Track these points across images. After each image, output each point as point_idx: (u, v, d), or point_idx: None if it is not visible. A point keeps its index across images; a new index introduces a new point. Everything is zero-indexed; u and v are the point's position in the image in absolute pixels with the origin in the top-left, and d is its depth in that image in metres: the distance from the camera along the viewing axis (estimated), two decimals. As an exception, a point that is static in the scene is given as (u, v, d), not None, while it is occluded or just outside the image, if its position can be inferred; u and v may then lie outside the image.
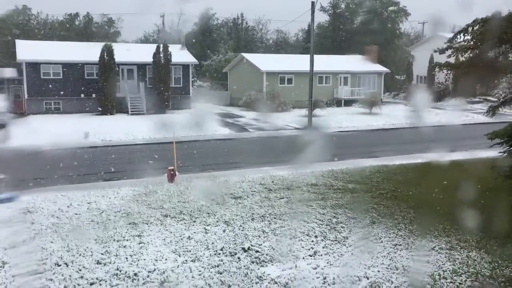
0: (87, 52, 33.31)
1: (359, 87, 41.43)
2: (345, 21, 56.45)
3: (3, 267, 6.89)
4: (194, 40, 54.39)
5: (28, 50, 33.67)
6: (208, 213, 9.82)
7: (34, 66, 32.80)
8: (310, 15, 28.11)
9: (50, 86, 32.63)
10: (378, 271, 6.91)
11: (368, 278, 6.67)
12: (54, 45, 39.07)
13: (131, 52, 36.46)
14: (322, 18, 58.00)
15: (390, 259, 7.37)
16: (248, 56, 42.21)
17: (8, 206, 10.52)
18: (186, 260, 7.22)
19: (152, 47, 35.13)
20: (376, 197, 11.17)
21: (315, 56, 28.79)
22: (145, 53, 34.44)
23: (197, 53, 49.63)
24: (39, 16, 62.48)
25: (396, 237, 8.41)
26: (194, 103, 38.58)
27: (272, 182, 12.80)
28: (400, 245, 8.01)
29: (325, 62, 39.80)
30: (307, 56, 29.15)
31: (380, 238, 8.33)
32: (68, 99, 32.97)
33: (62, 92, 32.88)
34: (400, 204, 10.53)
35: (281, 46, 66.19)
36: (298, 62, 39.22)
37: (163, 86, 33.91)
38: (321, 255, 7.50)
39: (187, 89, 37.64)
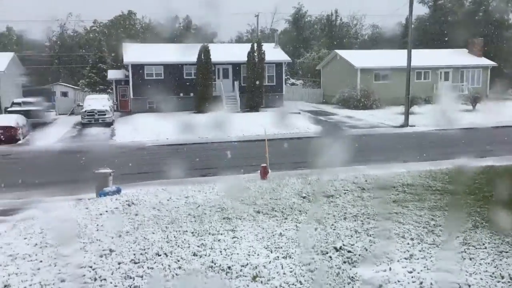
0: (185, 53, 34.93)
1: (462, 83, 38.94)
2: (446, 13, 53.29)
3: (110, 254, 7.45)
4: (287, 38, 54.60)
5: (133, 52, 36.09)
6: (300, 211, 9.83)
7: (138, 68, 35.10)
8: (408, 8, 27.00)
9: (152, 86, 34.67)
10: (481, 279, 6.45)
11: (469, 286, 6.26)
12: (156, 48, 41.43)
13: (227, 52, 37.57)
14: (421, 11, 55.43)
15: (495, 267, 6.85)
16: (342, 53, 41.54)
17: (115, 198, 11.35)
18: (278, 257, 7.29)
19: (246, 46, 35.92)
20: (479, 200, 10.43)
21: (413, 51, 27.61)
22: (239, 53, 35.31)
23: (290, 51, 49.83)
24: (143, 20, 66.73)
25: (502, 243, 7.79)
26: (287, 101, 38.80)
27: (366, 181, 12.49)
28: (507, 252, 7.41)
29: (424, 57, 37.96)
30: (404, 51, 27.99)
31: (484, 244, 7.76)
32: (169, 98, 34.78)
33: (163, 92, 34.80)
34: (508, 208, 9.73)
35: (377, 41, 64.19)
36: (394, 58, 37.84)
37: (256, 84, 34.53)
38: (418, 259, 7.17)
39: (280, 87, 37.97)
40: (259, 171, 14.24)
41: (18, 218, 11.49)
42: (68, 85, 50.39)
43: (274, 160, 15.28)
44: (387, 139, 24.00)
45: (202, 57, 33.73)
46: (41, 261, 7.26)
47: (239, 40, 67.02)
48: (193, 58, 33.72)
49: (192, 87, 34.50)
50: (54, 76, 58.98)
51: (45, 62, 63.44)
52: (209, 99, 33.82)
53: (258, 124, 25.00)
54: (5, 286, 6.42)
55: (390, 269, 6.80)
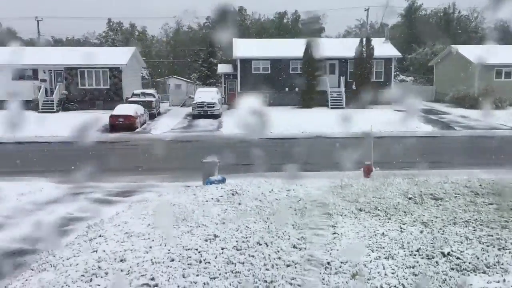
0: (292, 48, 35.14)
1: None
2: None
3: (214, 240, 7.79)
4: (398, 33, 52.41)
5: (242, 47, 37.06)
6: (405, 212, 9.44)
7: (246, 62, 36.04)
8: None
9: (259, 80, 35.36)
10: None
11: None
12: (264, 43, 42.18)
13: (334, 47, 37.08)
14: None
15: None
16: (459, 48, 38.85)
17: (220, 187, 11.82)
18: (380, 257, 7.09)
19: (354, 42, 35.16)
20: None
21: (542, 46, 24.97)
22: (347, 48, 34.66)
23: (401, 46, 47.75)
24: (253, 16, 68.34)
25: None
26: (395, 98, 37.33)
27: (480, 185, 11.60)
28: None
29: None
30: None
31: None
32: (274, 92, 35.26)
33: (269, 86, 35.38)
34: None
35: (502, 35, 59.01)
36: (519, 53, 34.61)
37: (363, 80, 33.67)
38: (537, 273, 6.53)
39: (389, 83, 36.63)
40: (362, 168, 13.92)
41: (134, 199, 12.50)
42: (181, 78, 53.32)
43: (378, 158, 14.82)
44: (507, 141, 22.06)
45: (309, 52, 33.67)
46: (153, 240, 7.81)
47: (347, 35, 65.86)
48: (300, 53, 33.79)
49: (297, 82, 34.63)
50: (169, 70, 62.83)
51: (162, 57, 67.85)
52: (314, 94, 33.71)
53: (364, 121, 24.38)
54: (121, 260, 7.02)
55: (504, 280, 6.28)
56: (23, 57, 34.37)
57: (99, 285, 6.18)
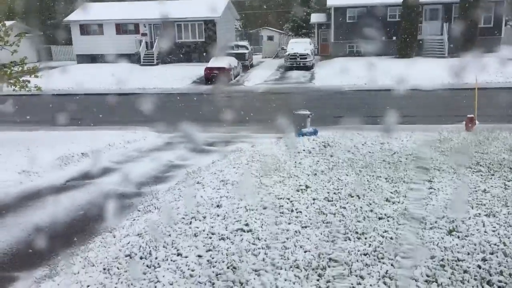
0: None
1: None
2: None
3: (306, 190, 7.91)
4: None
5: (336, -5, 35.65)
6: (511, 168, 8.81)
7: (340, 11, 34.71)
8: None
9: (353, 29, 34.00)
10: None
11: None
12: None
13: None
14: None
15: None
16: None
17: (312, 139, 11.84)
18: (479, 214, 6.75)
19: (460, -16, 32.20)
20: None
21: None
22: (452, -9, 31.93)
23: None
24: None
25: None
26: (506, 45, 34.06)
27: None
28: None
29: None
30: None
31: None
32: (369, 42, 33.74)
33: (363, 35, 33.90)
34: None
35: None
36: None
37: (470, 26, 30.97)
38: None
39: (498, 29, 33.39)
40: (464, 121, 13.12)
41: (229, 149, 12.99)
42: (274, 29, 52.94)
43: (483, 111, 13.83)
44: None
45: (409, -3, 31.52)
46: (246, 188, 8.13)
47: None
48: (399, -2, 31.79)
49: (395, 30, 32.79)
50: (262, 21, 62.54)
51: (255, 7, 67.57)
52: (413, 43, 31.78)
53: (468, 71, 22.69)
54: (217, 205, 7.42)
55: None
56: (126, 12, 36.17)
57: (197, 227, 6.61)
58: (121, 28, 36.38)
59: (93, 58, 36.41)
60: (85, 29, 36.89)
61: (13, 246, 7.57)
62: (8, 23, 16.75)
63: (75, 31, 37.08)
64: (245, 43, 36.89)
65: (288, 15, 54.65)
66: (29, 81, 14.15)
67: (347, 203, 7.29)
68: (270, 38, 49.49)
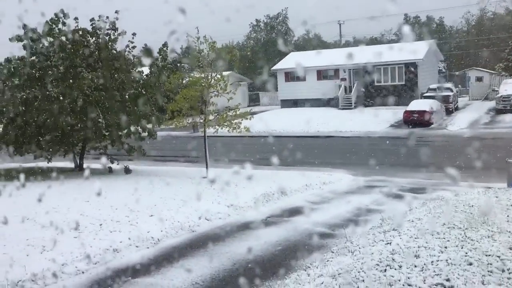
0: None
1: None
2: None
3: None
4: None
5: None
6: None
7: None
8: None
9: None
10: None
11: None
12: None
13: None
14: None
15: None
16: None
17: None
18: None
19: None
20: None
21: None
22: None
23: None
24: None
25: None
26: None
27: None
28: None
29: None
30: None
31: None
32: None
33: None
34: None
35: None
36: None
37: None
38: None
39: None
40: None
41: (428, 197, 12.26)
42: (483, 69, 48.78)
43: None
44: None
45: None
46: (448, 241, 7.50)
47: None
48: None
49: None
50: (470, 61, 58.34)
51: (461, 47, 63.58)
52: None
53: None
54: (415, 255, 7.01)
55: None
56: (327, 59, 37.87)
57: (392, 276, 6.34)
58: (322, 74, 38.12)
59: (294, 102, 38.82)
60: (289, 76, 39.73)
61: (220, 274, 8.32)
62: (225, 73, 19.07)
63: (280, 78, 40.22)
64: (449, 85, 34.84)
65: (502, 53, 49.90)
66: (240, 123, 15.76)
67: None
68: (479, 79, 45.61)
